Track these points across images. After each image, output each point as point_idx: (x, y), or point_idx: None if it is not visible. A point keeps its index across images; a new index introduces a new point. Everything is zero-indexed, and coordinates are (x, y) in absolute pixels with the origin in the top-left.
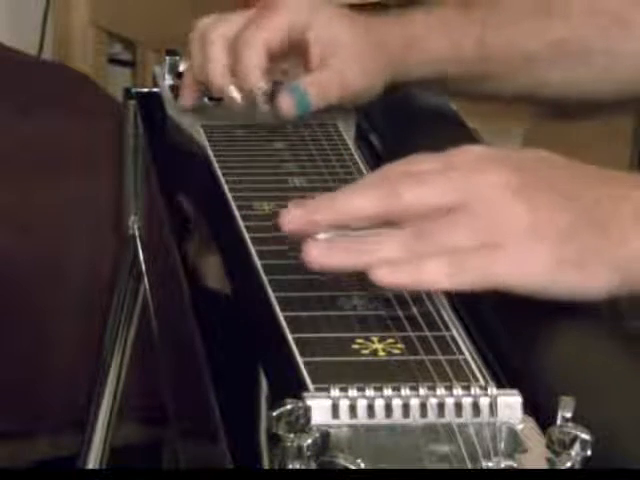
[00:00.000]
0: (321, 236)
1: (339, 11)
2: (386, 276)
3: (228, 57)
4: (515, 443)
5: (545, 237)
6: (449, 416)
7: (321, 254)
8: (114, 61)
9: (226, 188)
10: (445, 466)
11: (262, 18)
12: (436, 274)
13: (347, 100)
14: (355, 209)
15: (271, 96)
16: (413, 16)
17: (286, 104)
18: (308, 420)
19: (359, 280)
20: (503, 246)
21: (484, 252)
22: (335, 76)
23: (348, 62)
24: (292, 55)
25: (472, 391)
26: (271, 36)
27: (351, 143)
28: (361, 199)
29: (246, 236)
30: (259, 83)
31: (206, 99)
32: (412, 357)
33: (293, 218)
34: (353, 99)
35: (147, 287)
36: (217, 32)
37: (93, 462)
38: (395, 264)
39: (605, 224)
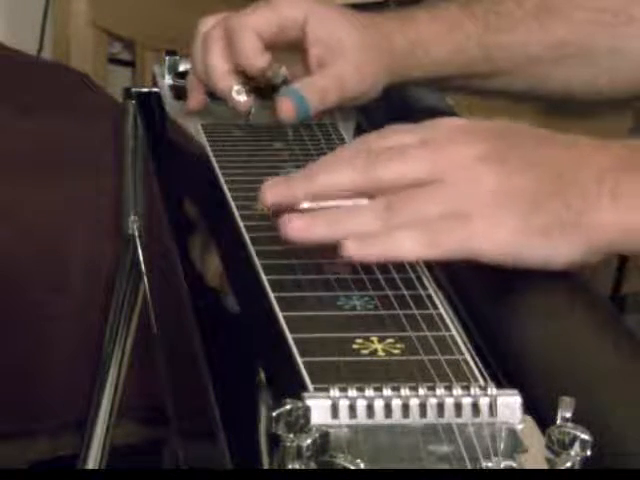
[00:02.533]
0: (302, 206)
1: (337, 9)
2: (355, 250)
3: (226, 57)
4: (515, 443)
5: (513, 206)
6: (449, 416)
7: (297, 226)
8: (114, 61)
9: (226, 188)
10: (445, 466)
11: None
12: (407, 244)
13: (346, 103)
14: (331, 185)
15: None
16: (415, 16)
17: (285, 109)
18: (308, 420)
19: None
20: (473, 215)
21: (455, 222)
22: (334, 80)
23: (348, 65)
24: (291, 52)
25: (472, 391)
26: (260, 21)
27: None
28: (337, 175)
29: (246, 236)
30: (258, 62)
31: (208, 98)
32: (412, 357)
33: (272, 193)
34: (352, 101)
35: (147, 287)
36: (215, 31)
37: (93, 462)
38: (364, 238)
39: (567, 192)
